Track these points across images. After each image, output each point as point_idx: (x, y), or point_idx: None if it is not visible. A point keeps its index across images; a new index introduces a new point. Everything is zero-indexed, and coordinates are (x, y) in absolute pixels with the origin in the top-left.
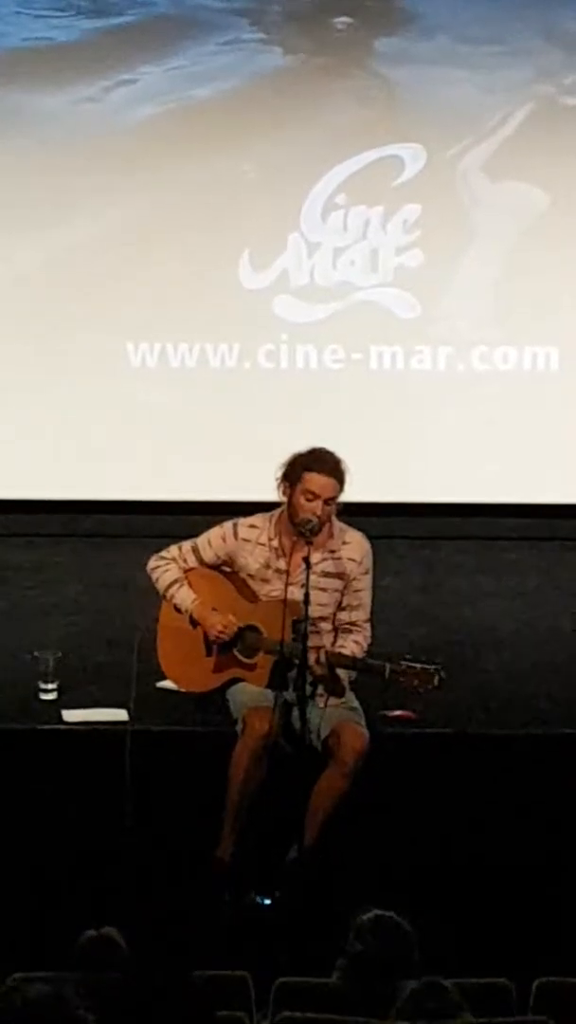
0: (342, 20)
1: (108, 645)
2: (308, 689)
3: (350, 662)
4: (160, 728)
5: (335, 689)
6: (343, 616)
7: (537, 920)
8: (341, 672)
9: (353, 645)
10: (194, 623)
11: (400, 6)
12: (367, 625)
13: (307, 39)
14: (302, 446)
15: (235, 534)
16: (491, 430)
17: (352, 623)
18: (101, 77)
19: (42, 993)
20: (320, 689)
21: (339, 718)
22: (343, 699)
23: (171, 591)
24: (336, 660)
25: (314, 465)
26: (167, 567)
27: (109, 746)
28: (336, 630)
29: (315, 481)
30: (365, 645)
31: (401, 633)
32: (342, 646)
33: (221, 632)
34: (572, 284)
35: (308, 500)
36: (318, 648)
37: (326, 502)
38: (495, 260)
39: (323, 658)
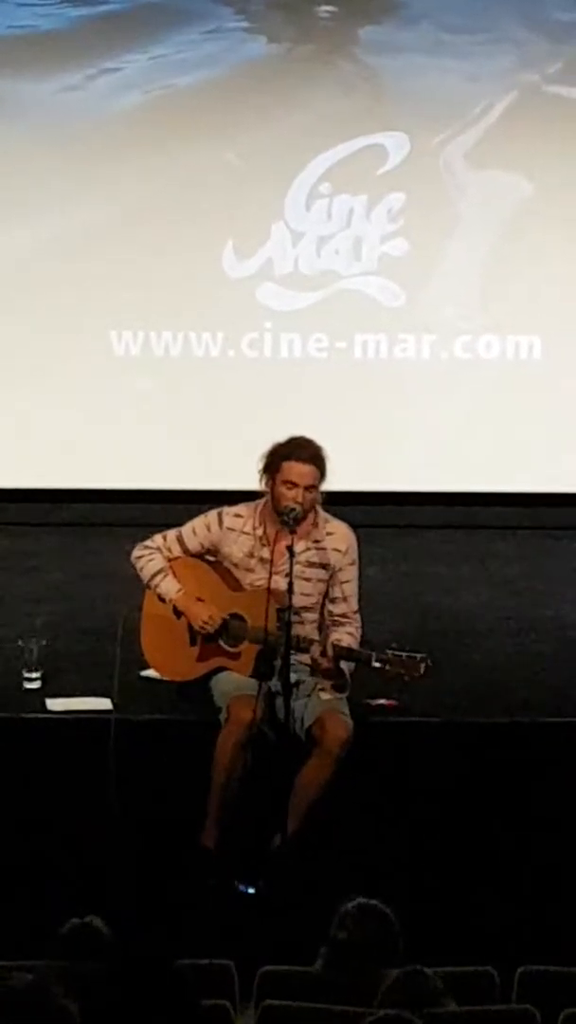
0: (326, 8)
1: (92, 634)
2: (293, 677)
3: (346, 653)
4: (144, 717)
5: (340, 683)
6: (333, 608)
7: (521, 908)
8: (343, 665)
9: (348, 637)
10: (178, 613)
11: None
12: (357, 616)
13: (291, 27)
14: (286, 435)
15: (220, 523)
16: (474, 419)
17: (342, 615)
18: (85, 65)
19: (25, 982)
20: (324, 683)
21: (323, 707)
22: (346, 693)
23: (155, 580)
24: (341, 653)
25: (292, 454)
26: (151, 556)
27: (93, 735)
28: (322, 620)
29: (294, 469)
30: (358, 636)
31: (384, 622)
32: (339, 639)
33: (205, 623)
34: (555, 273)
35: (288, 489)
36: (325, 642)
37: (306, 490)
38: (479, 249)
39: (330, 651)
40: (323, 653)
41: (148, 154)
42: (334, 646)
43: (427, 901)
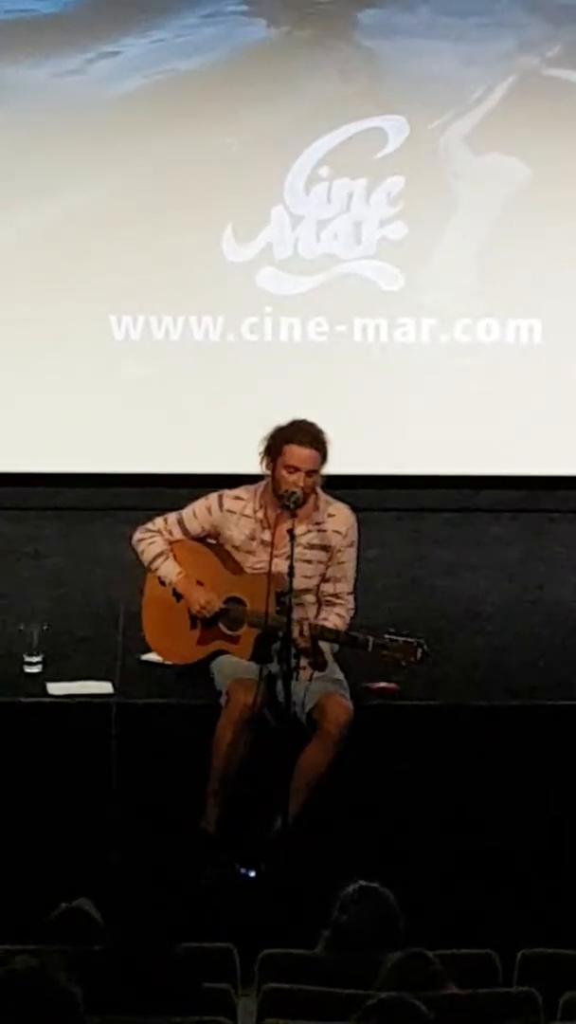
0: None
1: (93, 618)
2: (292, 662)
3: (333, 635)
4: (145, 701)
5: (317, 662)
6: (327, 588)
7: (521, 891)
8: (324, 645)
9: (336, 618)
10: (178, 596)
11: None
12: (350, 597)
13: (290, 11)
14: (286, 419)
15: (220, 506)
16: (474, 402)
17: (335, 595)
18: (84, 49)
19: (28, 965)
20: (303, 661)
21: (323, 690)
22: (325, 672)
23: (156, 563)
24: (319, 633)
25: (294, 438)
26: (152, 539)
27: (94, 719)
28: (319, 602)
29: (295, 454)
30: (348, 618)
31: (385, 605)
32: (325, 619)
33: (203, 608)
34: (555, 257)
35: (289, 473)
36: (302, 621)
37: (308, 474)
38: (478, 232)
39: (306, 631)
40: (301, 632)
41: (147, 138)
42: (311, 625)
43: (428, 884)
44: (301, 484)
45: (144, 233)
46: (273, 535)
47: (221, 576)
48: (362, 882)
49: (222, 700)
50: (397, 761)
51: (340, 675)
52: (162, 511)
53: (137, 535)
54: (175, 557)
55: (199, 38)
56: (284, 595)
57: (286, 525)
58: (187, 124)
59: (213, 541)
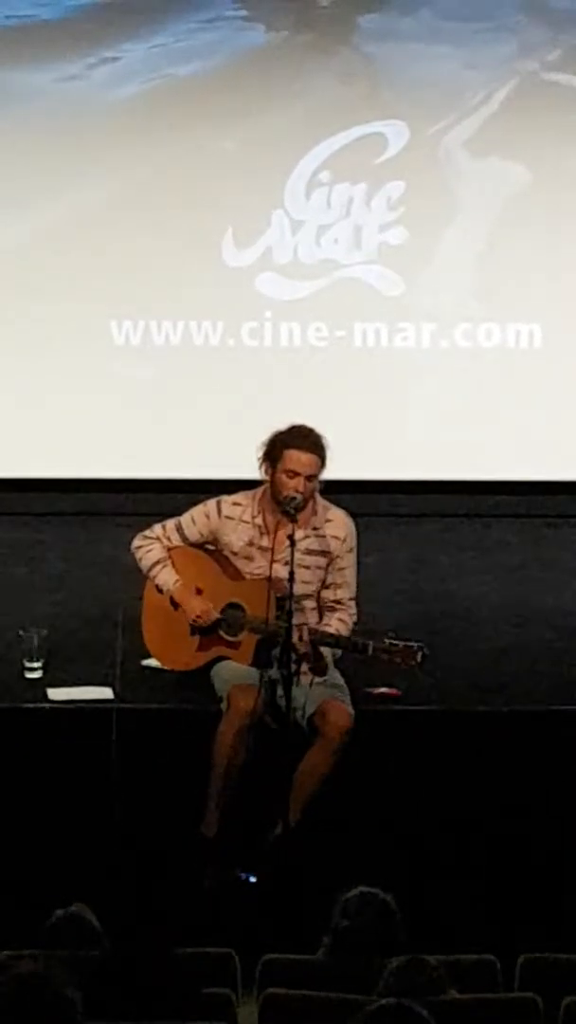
0: None
1: (93, 623)
2: (292, 667)
3: (333, 640)
4: (145, 706)
5: (318, 667)
6: (327, 594)
7: (522, 896)
8: (324, 650)
9: (338, 623)
10: (175, 604)
11: None
12: (352, 603)
13: (290, 16)
14: (285, 424)
15: (219, 512)
16: (475, 407)
17: (337, 601)
18: (85, 55)
19: (30, 971)
20: (303, 667)
21: (324, 696)
22: (326, 677)
23: (154, 571)
24: (319, 638)
25: (294, 443)
26: (151, 546)
27: (94, 724)
28: (320, 608)
29: (296, 459)
30: (350, 623)
31: (385, 611)
32: (327, 624)
33: (198, 617)
34: (555, 261)
35: (290, 478)
36: (301, 626)
37: (308, 479)
38: (478, 237)
39: (306, 636)
40: (300, 638)
41: (147, 143)
42: (310, 630)
43: (428, 889)
44: (301, 489)
45: (144, 238)
46: (272, 541)
47: (220, 582)
48: (363, 887)
49: (222, 705)
50: (398, 766)
51: (341, 680)
52: (161, 516)
53: (136, 542)
54: (174, 564)
55: (199, 43)
56: (284, 600)
57: (285, 530)
58: (187, 129)
59: (212, 547)
